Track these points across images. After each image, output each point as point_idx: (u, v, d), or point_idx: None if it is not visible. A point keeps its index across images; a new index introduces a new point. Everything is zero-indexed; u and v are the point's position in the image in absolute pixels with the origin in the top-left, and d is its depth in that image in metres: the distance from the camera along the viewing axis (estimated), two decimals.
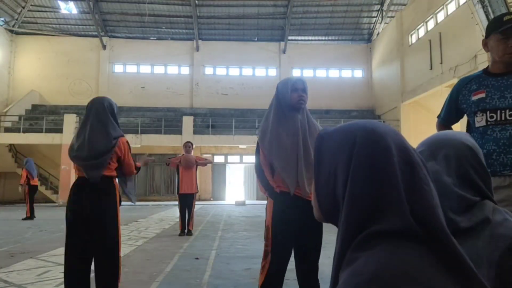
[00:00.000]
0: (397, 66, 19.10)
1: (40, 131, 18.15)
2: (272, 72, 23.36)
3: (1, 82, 20.74)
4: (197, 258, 4.88)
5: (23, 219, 10.29)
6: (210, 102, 22.36)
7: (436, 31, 15.57)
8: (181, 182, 7.06)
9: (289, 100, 2.34)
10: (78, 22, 22.11)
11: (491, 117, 1.90)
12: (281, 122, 2.34)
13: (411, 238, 0.60)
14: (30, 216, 10.34)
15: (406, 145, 0.67)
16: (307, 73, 23.20)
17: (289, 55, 23.16)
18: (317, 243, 2.34)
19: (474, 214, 0.94)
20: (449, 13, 15.10)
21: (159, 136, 18.74)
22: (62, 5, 20.94)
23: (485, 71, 2.02)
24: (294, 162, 2.27)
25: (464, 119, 2.16)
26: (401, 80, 18.60)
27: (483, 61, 11.62)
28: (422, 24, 17.20)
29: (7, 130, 18.38)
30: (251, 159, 21.94)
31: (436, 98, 14.30)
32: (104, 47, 22.35)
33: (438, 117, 2.24)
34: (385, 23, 21.70)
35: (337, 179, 0.67)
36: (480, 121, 1.94)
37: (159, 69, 23.00)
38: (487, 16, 8.03)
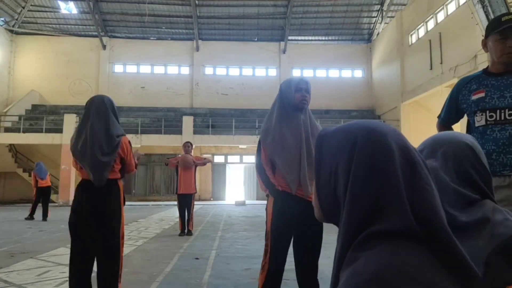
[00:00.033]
0: (397, 66, 19.10)
1: (40, 131, 18.15)
2: (272, 72, 23.36)
3: (1, 82, 20.75)
4: (197, 258, 4.88)
5: (25, 218, 10.29)
6: (210, 102, 22.36)
7: (436, 31, 15.57)
8: (180, 183, 7.08)
9: (292, 100, 2.35)
10: (78, 22, 22.12)
11: (491, 116, 1.90)
12: (284, 122, 2.35)
13: (412, 238, 0.60)
14: (31, 216, 10.32)
15: (407, 144, 0.67)
16: (307, 73, 23.19)
17: (289, 55, 23.16)
18: (317, 243, 2.34)
19: (473, 211, 0.94)
20: (449, 13, 15.10)
21: (159, 136, 18.74)
22: (62, 5, 20.94)
23: (485, 71, 2.02)
24: (296, 161, 2.28)
25: (464, 119, 2.16)
26: (401, 80, 18.60)
27: (483, 61, 11.62)
28: (422, 24, 17.20)
29: (7, 130, 18.38)
30: (251, 159, 21.95)
31: (436, 98, 14.31)
32: (104, 47, 22.35)
33: (438, 117, 2.24)
34: (385, 23, 21.70)
35: (338, 179, 0.67)
36: (479, 120, 1.94)
37: (159, 69, 23.00)
38: (487, 16, 8.03)
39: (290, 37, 22.97)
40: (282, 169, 2.28)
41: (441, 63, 14.97)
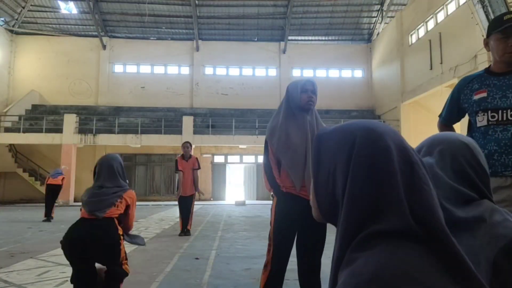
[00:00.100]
0: (397, 66, 19.10)
1: (40, 131, 18.14)
2: (272, 72, 23.36)
3: (1, 82, 20.74)
4: (197, 258, 4.88)
5: (43, 221, 10.02)
6: (210, 102, 22.36)
7: (436, 31, 15.57)
8: (181, 186, 7.13)
9: (298, 101, 2.38)
10: (78, 22, 22.11)
11: (493, 116, 1.89)
12: (290, 122, 2.38)
13: (411, 238, 0.59)
14: (46, 217, 10.04)
15: (405, 145, 0.67)
16: (307, 73, 23.21)
17: (289, 55, 23.16)
18: (319, 244, 2.36)
19: (471, 209, 0.94)
20: (449, 13, 15.10)
21: (159, 136, 18.73)
22: (62, 5, 20.94)
23: (487, 70, 2.01)
24: (302, 161, 2.30)
25: (464, 119, 2.15)
26: (401, 80, 18.60)
27: (483, 61, 11.62)
28: (422, 24, 17.20)
29: (7, 130, 18.38)
30: (251, 159, 21.97)
31: (436, 98, 14.31)
32: (104, 47, 22.35)
33: (439, 116, 2.23)
34: (385, 23, 21.70)
35: (336, 179, 0.67)
36: (481, 120, 1.93)
37: (159, 69, 23.00)
38: (487, 16, 8.03)
39: (290, 37, 22.97)
40: (287, 169, 2.30)
41: (441, 63, 14.97)
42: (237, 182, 23.77)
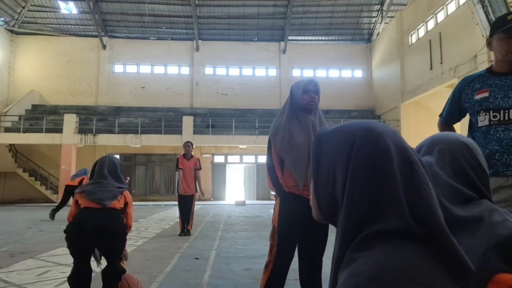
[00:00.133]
0: (397, 66, 19.10)
1: (40, 131, 18.13)
2: (272, 72, 23.36)
3: (1, 82, 20.74)
4: (197, 258, 4.88)
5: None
6: (210, 102, 22.36)
7: (436, 31, 15.57)
8: (181, 183, 7.12)
9: (300, 101, 2.39)
10: (78, 22, 22.11)
11: (494, 116, 1.89)
12: (293, 122, 2.40)
13: (411, 238, 0.59)
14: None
15: (404, 145, 0.67)
16: (307, 73, 23.21)
17: (289, 55, 23.16)
18: (321, 244, 2.37)
19: (470, 208, 0.94)
20: (449, 13, 15.09)
21: (159, 136, 18.73)
22: (62, 5, 20.93)
23: (489, 70, 2.01)
24: (305, 160, 2.31)
25: (465, 119, 2.15)
26: (401, 80, 18.60)
27: (483, 61, 11.62)
28: (422, 24, 17.19)
29: (7, 130, 18.37)
30: (251, 159, 21.97)
31: (436, 98, 14.31)
32: (104, 47, 22.35)
33: (440, 116, 2.23)
34: (385, 23, 21.70)
35: (336, 179, 0.67)
36: (483, 120, 1.93)
37: (159, 69, 22.99)
38: (487, 16, 8.02)
39: (290, 37, 22.96)
40: (290, 168, 2.32)
41: (441, 63, 14.96)
42: (237, 182, 23.76)
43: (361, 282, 0.54)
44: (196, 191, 7.30)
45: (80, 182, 9.75)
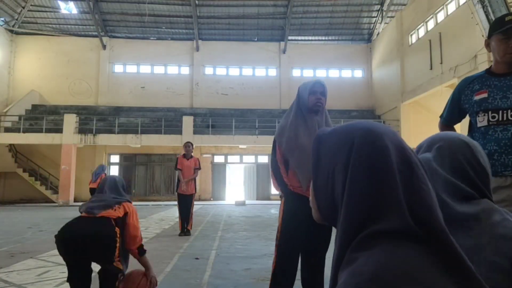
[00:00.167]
0: (397, 66, 19.10)
1: (40, 131, 18.14)
2: (272, 72, 23.36)
3: (1, 82, 20.74)
4: (197, 258, 4.89)
5: None
6: (210, 102, 22.36)
7: (436, 31, 15.57)
8: (181, 183, 7.14)
9: (307, 102, 2.39)
10: (78, 22, 22.11)
11: (493, 117, 1.90)
12: (299, 123, 2.41)
13: (411, 238, 0.60)
14: None
15: (403, 145, 0.67)
16: (307, 73, 23.22)
17: (289, 55, 23.16)
18: (323, 245, 2.38)
19: (469, 206, 0.93)
20: (449, 13, 15.10)
21: (159, 136, 18.73)
22: (62, 5, 20.94)
23: (488, 71, 2.02)
24: (309, 161, 2.31)
25: (465, 119, 2.15)
26: (401, 80, 18.60)
27: (483, 61, 11.62)
28: (422, 24, 17.20)
29: (7, 130, 18.38)
30: (251, 159, 21.97)
31: (436, 98, 14.32)
32: (104, 47, 22.35)
33: (440, 117, 2.24)
34: (385, 23, 21.70)
35: (336, 180, 0.67)
36: (482, 121, 1.94)
37: (159, 69, 23.00)
38: (487, 16, 8.02)
39: (290, 37, 22.97)
40: (295, 168, 2.33)
41: (441, 63, 14.97)
42: (237, 182, 23.76)
43: (361, 282, 0.54)
44: (195, 191, 7.34)
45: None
